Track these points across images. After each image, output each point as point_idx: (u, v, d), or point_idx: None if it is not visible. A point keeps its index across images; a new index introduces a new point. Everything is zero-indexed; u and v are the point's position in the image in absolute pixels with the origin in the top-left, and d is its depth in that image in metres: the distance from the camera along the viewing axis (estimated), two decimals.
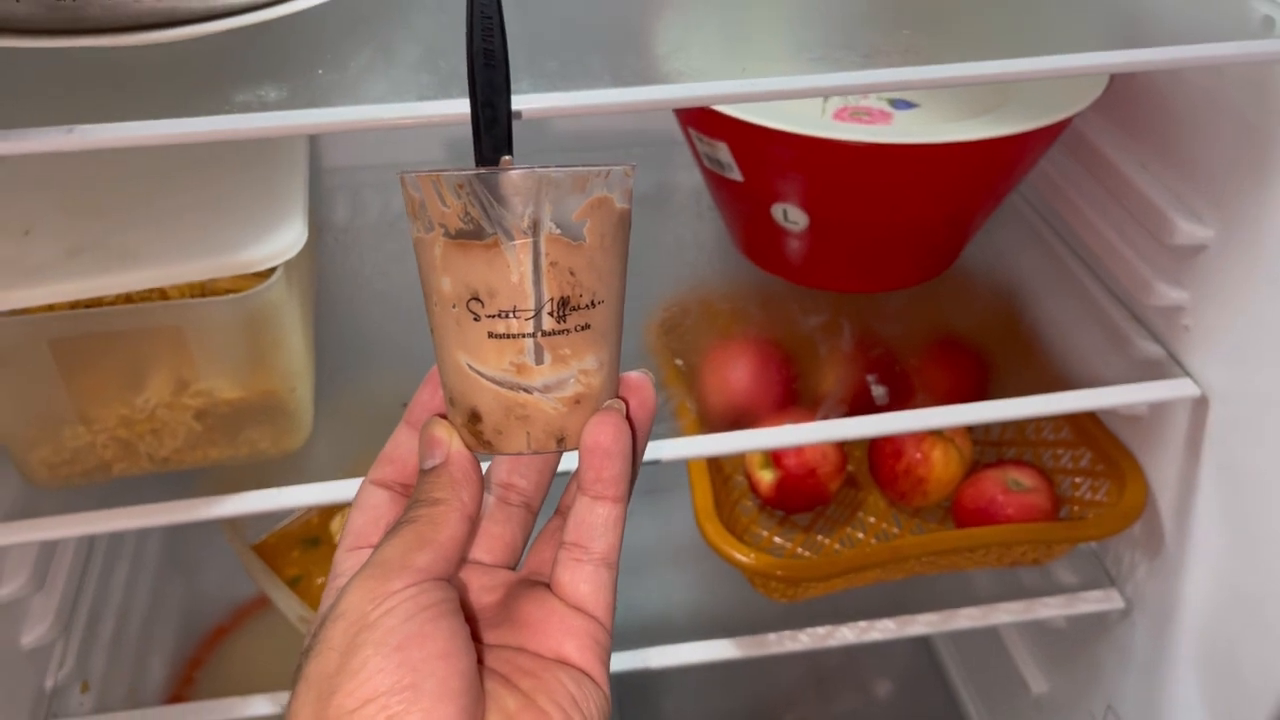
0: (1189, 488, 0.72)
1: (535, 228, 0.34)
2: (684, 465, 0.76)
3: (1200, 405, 0.70)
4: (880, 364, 0.77)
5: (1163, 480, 0.75)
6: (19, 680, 0.73)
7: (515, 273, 0.35)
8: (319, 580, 0.79)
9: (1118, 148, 0.73)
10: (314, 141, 0.80)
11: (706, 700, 1.16)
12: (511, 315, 0.35)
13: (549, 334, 0.35)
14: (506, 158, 0.37)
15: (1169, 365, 0.71)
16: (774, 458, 0.80)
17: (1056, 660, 0.93)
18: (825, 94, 0.51)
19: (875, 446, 0.84)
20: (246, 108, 0.47)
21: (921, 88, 0.57)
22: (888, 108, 0.70)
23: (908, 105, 0.70)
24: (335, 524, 0.81)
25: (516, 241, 0.34)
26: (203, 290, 0.56)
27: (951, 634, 1.12)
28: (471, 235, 0.34)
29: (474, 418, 0.37)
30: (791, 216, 0.71)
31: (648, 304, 0.81)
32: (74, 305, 0.55)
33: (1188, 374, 0.70)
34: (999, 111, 0.66)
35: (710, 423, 0.76)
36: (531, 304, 0.35)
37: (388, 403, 0.71)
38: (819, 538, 0.83)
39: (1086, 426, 0.80)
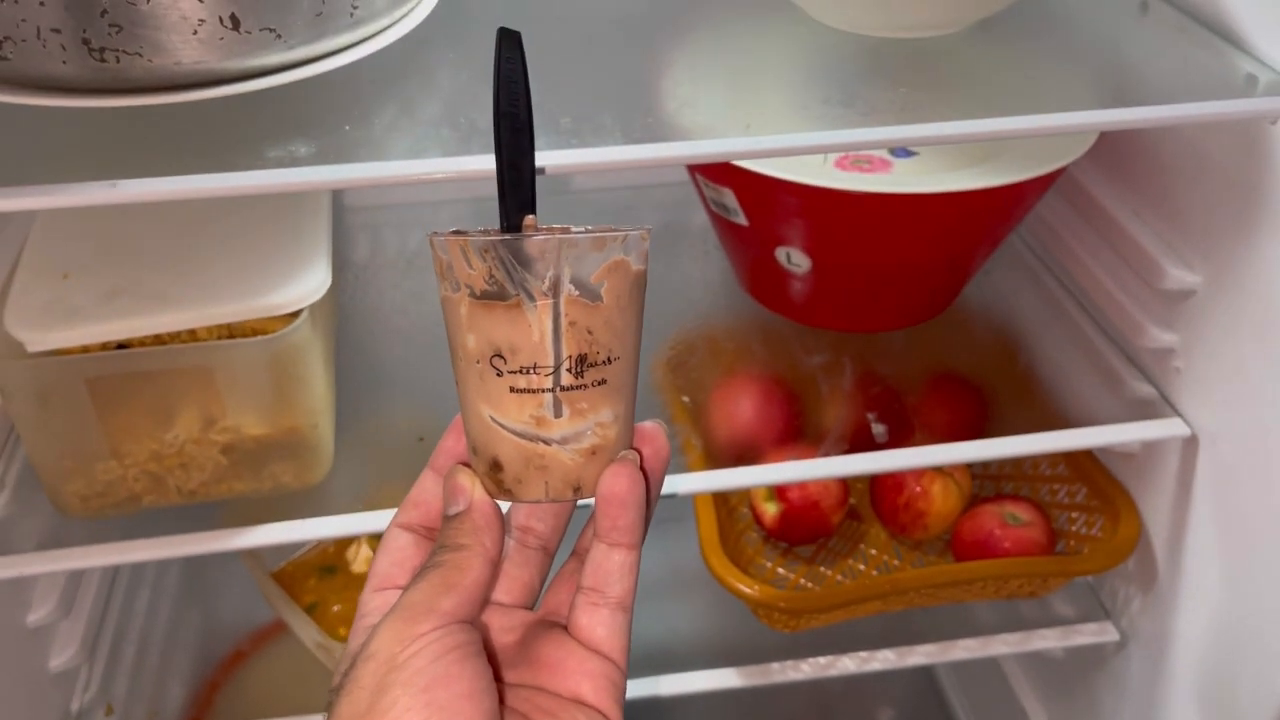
0: (1181, 523, 0.74)
1: (555, 289, 0.37)
2: (690, 498, 0.79)
3: (1190, 444, 0.72)
4: (881, 401, 0.79)
5: (1156, 516, 0.77)
6: (47, 703, 0.75)
7: (536, 331, 0.37)
8: (334, 607, 0.81)
9: (1111, 195, 0.76)
10: None
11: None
12: (532, 371, 0.37)
13: (567, 389, 0.37)
14: (530, 217, 0.39)
15: (1160, 405, 0.74)
16: (778, 491, 0.83)
17: (1055, 691, 0.94)
18: (827, 150, 0.54)
19: (877, 481, 0.86)
20: (279, 163, 0.50)
21: (919, 144, 0.59)
22: (888, 156, 0.73)
23: (907, 154, 0.73)
24: (351, 553, 0.84)
25: (538, 302, 0.37)
26: (230, 332, 0.59)
27: (953, 665, 1.14)
28: (495, 296, 0.37)
29: (495, 466, 0.39)
30: (794, 259, 0.73)
31: (655, 341, 0.84)
32: (108, 346, 0.58)
33: (1178, 414, 0.72)
34: (994, 161, 0.69)
35: (716, 457, 0.78)
36: (551, 361, 0.37)
37: (405, 436, 0.74)
38: (821, 569, 0.85)
39: (1082, 463, 0.82)
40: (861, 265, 0.74)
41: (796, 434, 0.83)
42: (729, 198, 0.72)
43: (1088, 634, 0.81)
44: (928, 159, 0.73)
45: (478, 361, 0.38)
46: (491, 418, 0.38)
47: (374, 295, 0.83)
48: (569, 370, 0.37)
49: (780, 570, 0.85)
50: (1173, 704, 0.78)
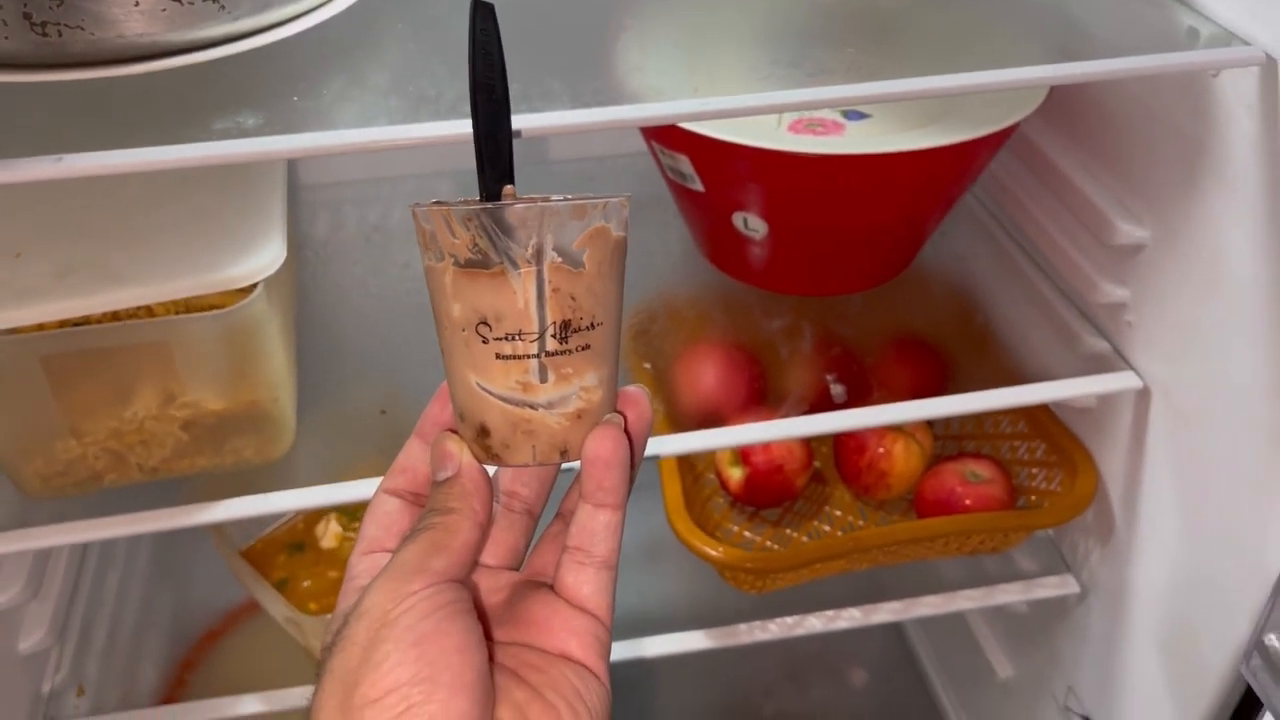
0: (1136, 475, 0.76)
1: (539, 256, 0.37)
2: (656, 465, 0.79)
3: (1143, 397, 0.73)
4: (840, 364, 0.80)
5: (1112, 469, 0.78)
6: (16, 685, 0.75)
7: (521, 298, 0.37)
8: (304, 583, 0.81)
9: (1061, 152, 0.77)
10: (292, 160, 0.83)
11: (685, 693, 1.19)
12: (517, 338, 0.38)
13: (552, 354, 0.38)
14: (509, 187, 0.40)
15: (1114, 359, 0.75)
16: (742, 455, 0.84)
17: (1020, 645, 0.96)
18: (775, 110, 0.55)
19: (839, 443, 0.87)
20: (226, 134, 0.50)
21: (866, 103, 0.60)
22: (840, 119, 0.73)
23: (859, 116, 0.73)
24: (319, 529, 0.84)
25: (521, 270, 0.37)
26: (187, 307, 0.59)
27: (921, 622, 1.16)
28: (479, 264, 0.37)
29: (483, 432, 0.40)
30: (751, 225, 0.74)
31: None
32: (64, 324, 0.58)
33: (1131, 367, 0.74)
34: (946, 121, 0.70)
35: (680, 423, 0.79)
36: (536, 327, 0.38)
37: (367, 410, 0.74)
38: (787, 531, 0.86)
39: (1041, 420, 0.84)
40: (818, 229, 0.74)
41: (759, 398, 0.84)
42: (685, 164, 0.72)
43: (1049, 587, 0.83)
44: (880, 121, 0.73)
45: (463, 329, 0.38)
46: (478, 384, 0.39)
47: (335, 272, 0.83)
48: (553, 336, 0.38)
49: (747, 533, 0.86)
50: (1133, 653, 0.80)
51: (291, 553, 0.83)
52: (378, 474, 0.69)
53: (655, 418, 0.78)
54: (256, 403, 0.62)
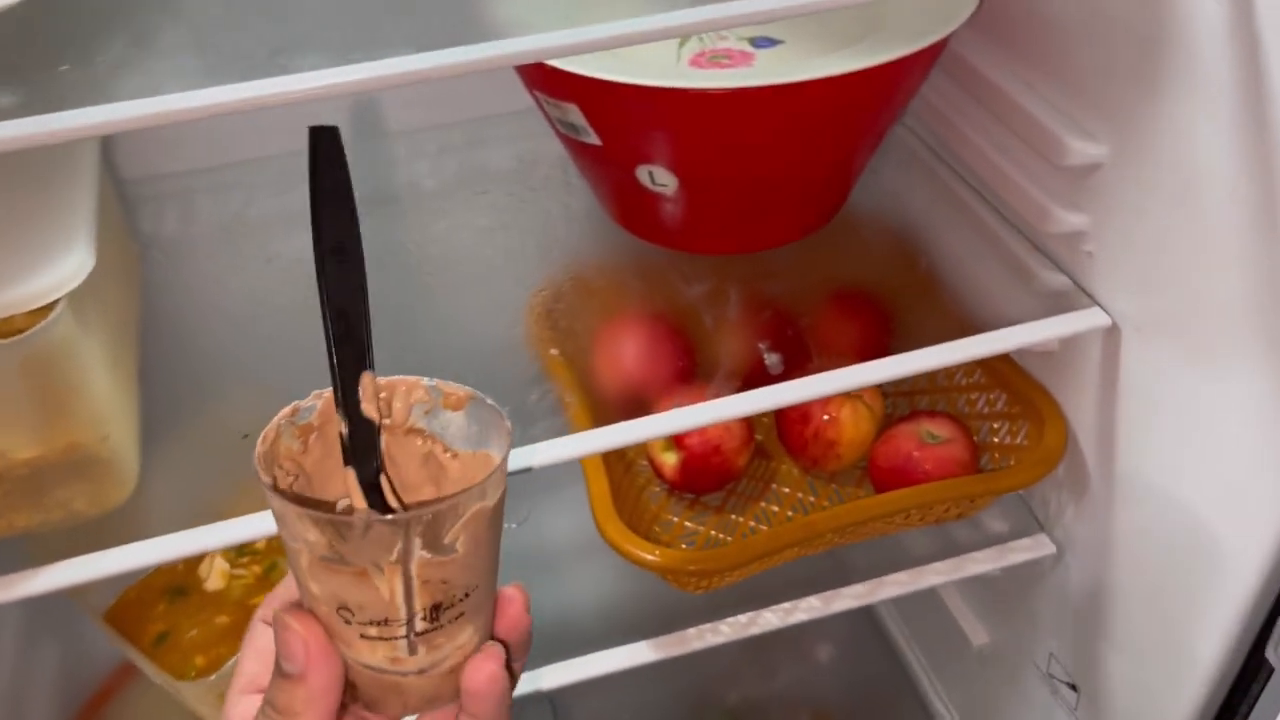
0: (1109, 422, 0.68)
1: (406, 557, 0.33)
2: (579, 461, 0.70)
3: (1112, 335, 0.65)
4: (773, 328, 0.71)
5: (1082, 417, 0.71)
6: None
7: (386, 592, 0.34)
8: (190, 633, 0.71)
9: (999, 67, 0.68)
10: (111, 147, 0.72)
11: (645, 693, 1.10)
12: (383, 624, 0.35)
13: (422, 633, 0.35)
14: (367, 374, 0.34)
15: (1076, 295, 0.67)
16: (675, 439, 0.75)
17: (994, 611, 0.89)
18: (669, 35, 0.45)
19: (781, 414, 0.78)
20: None
21: (773, 19, 0.51)
22: (748, 47, 0.64)
23: (770, 42, 0.64)
24: (203, 569, 0.73)
25: (385, 570, 0.33)
26: None
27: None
28: (338, 562, 0.33)
29: (350, 687, 0.36)
30: (659, 179, 0.64)
31: (519, 289, 0.74)
32: None
33: (1096, 303, 0.66)
34: (868, 40, 0.61)
35: (600, 411, 0.69)
36: (403, 615, 0.35)
37: (230, 433, 0.63)
38: (733, 517, 0.78)
39: (998, 368, 0.76)
40: (734, 177, 0.65)
41: (687, 374, 0.75)
42: (574, 114, 0.62)
43: (1023, 550, 0.75)
44: (794, 46, 0.64)
45: (324, 604, 0.35)
46: (343, 653, 0.35)
47: (188, 272, 0.72)
48: (423, 619, 0.35)
49: (688, 524, 0.77)
50: (1116, 612, 0.73)
51: (173, 599, 0.73)
52: (254, 508, 0.59)
53: (571, 409, 0.70)
54: (79, 445, 0.51)
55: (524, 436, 0.59)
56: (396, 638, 0.35)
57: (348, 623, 0.35)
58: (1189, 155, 0.56)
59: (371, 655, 0.35)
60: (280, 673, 0.35)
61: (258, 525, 0.55)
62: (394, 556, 0.33)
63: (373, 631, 0.35)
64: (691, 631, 0.71)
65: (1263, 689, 0.62)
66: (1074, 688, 0.79)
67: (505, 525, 0.72)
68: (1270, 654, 0.52)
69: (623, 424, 0.59)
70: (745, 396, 0.61)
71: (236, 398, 0.64)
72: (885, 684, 1.07)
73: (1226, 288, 0.56)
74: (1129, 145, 0.60)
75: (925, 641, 1.03)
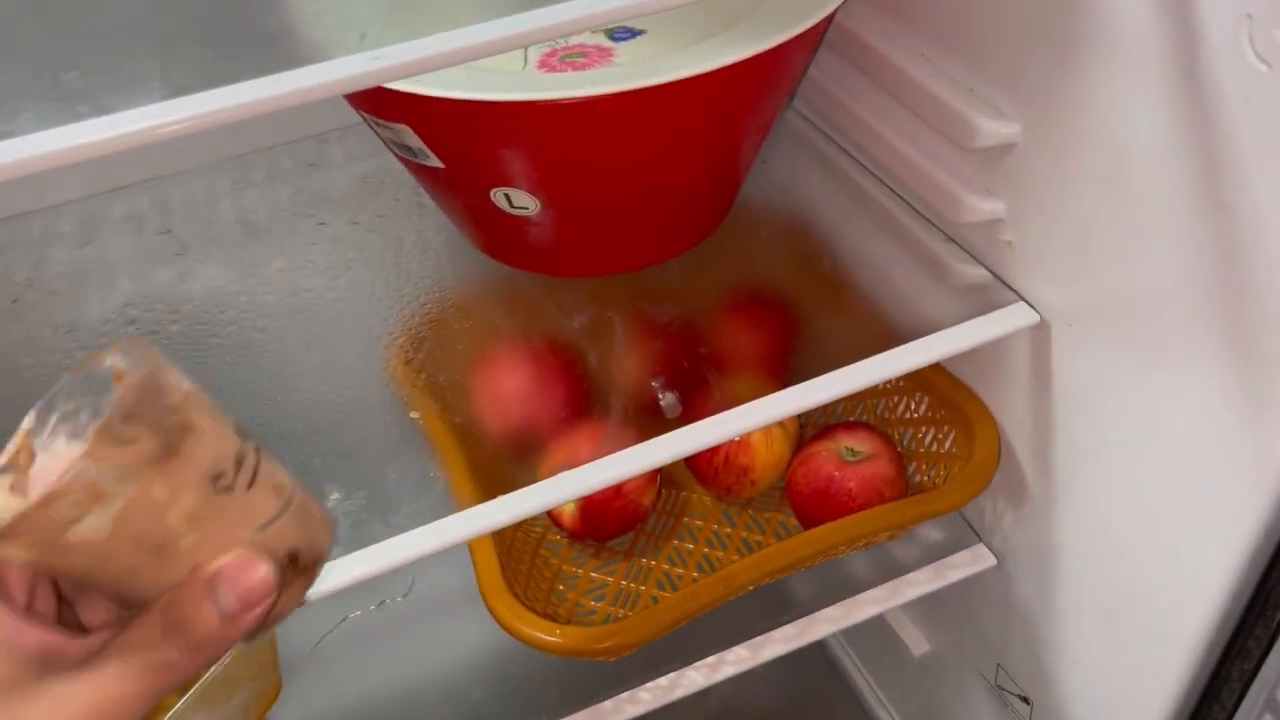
0: (1044, 423, 0.62)
1: None
2: None
3: (1040, 330, 0.58)
4: (670, 353, 0.63)
5: (1014, 419, 0.64)
6: None
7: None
8: None
9: (895, 43, 0.60)
10: None
11: None
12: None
13: None
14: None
15: (997, 289, 0.60)
16: None
17: (935, 621, 0.83)
18: (487, 53, 0.36)
19: None
20: None
21: (623, 18, 0.42)
22: (605, 41, 0.55)
23: (630, 34, 0.55)
24: None
25: None
26: None
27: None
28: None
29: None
30: (517, 202, 0.55)
31: (375, 336, 0.64)
32: None
33: (1021, 297, 0.59)
34: (743, 24, 0.52)
35: (483, 469, 0.60)
36: None
37: None
38: (644, 560, 0.70)
39: (921, 371, 0.68)
40: (604, 192, 0.56)
41: (581, 409, 0.66)
42: (409, 136, 0.53)
43: (962, 565, 0.69)
44: (657, 35, 0.55)
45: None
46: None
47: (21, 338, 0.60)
48: None
49: (595, 574, 0.69)
50: (1066, 622, 0.67)
51: None
52: None
53: (453, 473, 0.60)
54: None
55: (392, 526, 0.49)
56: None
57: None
58: (1114, 129, 0.49)
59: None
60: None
61: None
62: None
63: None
64: (607, 705, 0.63)
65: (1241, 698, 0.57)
66: (1026, 700, 0.74)
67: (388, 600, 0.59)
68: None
69: (516, 495, 0.50)
70: (651, 446, 0.52)
71: None
72: (825, 694, 1.01)
73: (1166, 273, 0.49)
74: (1045, 122, 0.53)
75: (864, 651, 0.97)
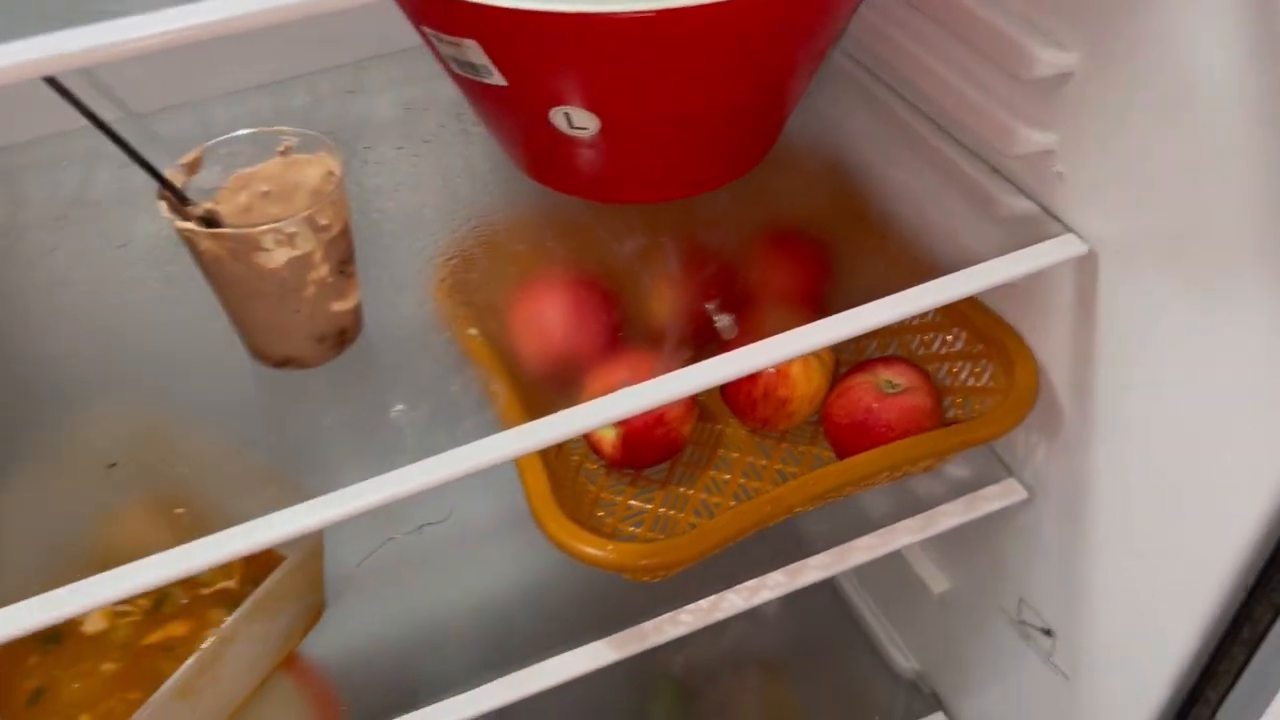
0: (1085, 356, 0.63)
1: None
2: None
3: (1088, 262, 0.59)
4: (718, 282, 0.63)
5: (1053, 353, 0.65)
6: None
7: None
8: (71, 687, 0.61)
9: None
10: None
11: None
12: None
13: None
14: None
15: (1044, 221, 0.61)
16: None
17: (956, 558, 0.84)
18: None
19: None
20: None
21: None
22: None
23: None
24: None
25: None
26: None
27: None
28: None
29: None
30: (577, 121, 0.55)
31: (424, 259, 0.65)
32: None
33: (1069, 229, 0.60)
34: None
35: (530, 392, 0.61)
36: None
37: (88, 456, 0.53)
38: (681, 490, 0.71)
39: (958, 305, 0.69)
40: (662, 113, 0.56)
41: (623, 340, 0.67)
42: (474, 52, 0.53)
43: (993, 498, 0.70)
44: None
45: None
46: None
47: (20, 270, 0.60)
48: None
49: (633, 502, 0.70)
50: (1093, 559, 0.68)
51: (45, 650, 0.63)
52: (129, 540, 0.50)
53: (499, 399, 0.61)
54: None
55: (451, 438, 0.50)
56: None
57: None
58: (1179, 57, 0.50)
59: None
60: None
61: (152, 572, 0.45)
62: None
63: None
64: (649, 625, 0.64)
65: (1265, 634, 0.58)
66: (1049, 633, 0.75)
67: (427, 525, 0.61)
68: None
69: (563, 414, 0.51)
70: (696, 371, 0.53)
71: (93, 415, 0.54)
72: (837, 635, 1.03)
73: (1226, 204, 0.50)
74: (1105, 51, 0.53)
75: (878, 591, 0.99)
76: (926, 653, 0.95)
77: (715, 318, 0.59)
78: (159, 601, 0.65)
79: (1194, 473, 0.58)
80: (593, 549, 0.57)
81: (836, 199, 0.70)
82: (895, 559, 0.90)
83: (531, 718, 1.03)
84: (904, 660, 0.97)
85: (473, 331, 0.60)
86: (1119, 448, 0.63)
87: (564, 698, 1.06)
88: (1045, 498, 0.71)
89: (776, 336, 0.53)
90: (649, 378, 0.53)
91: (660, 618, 0.65)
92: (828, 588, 1.05)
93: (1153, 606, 0.65)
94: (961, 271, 0.58)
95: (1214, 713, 0.64)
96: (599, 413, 0.51)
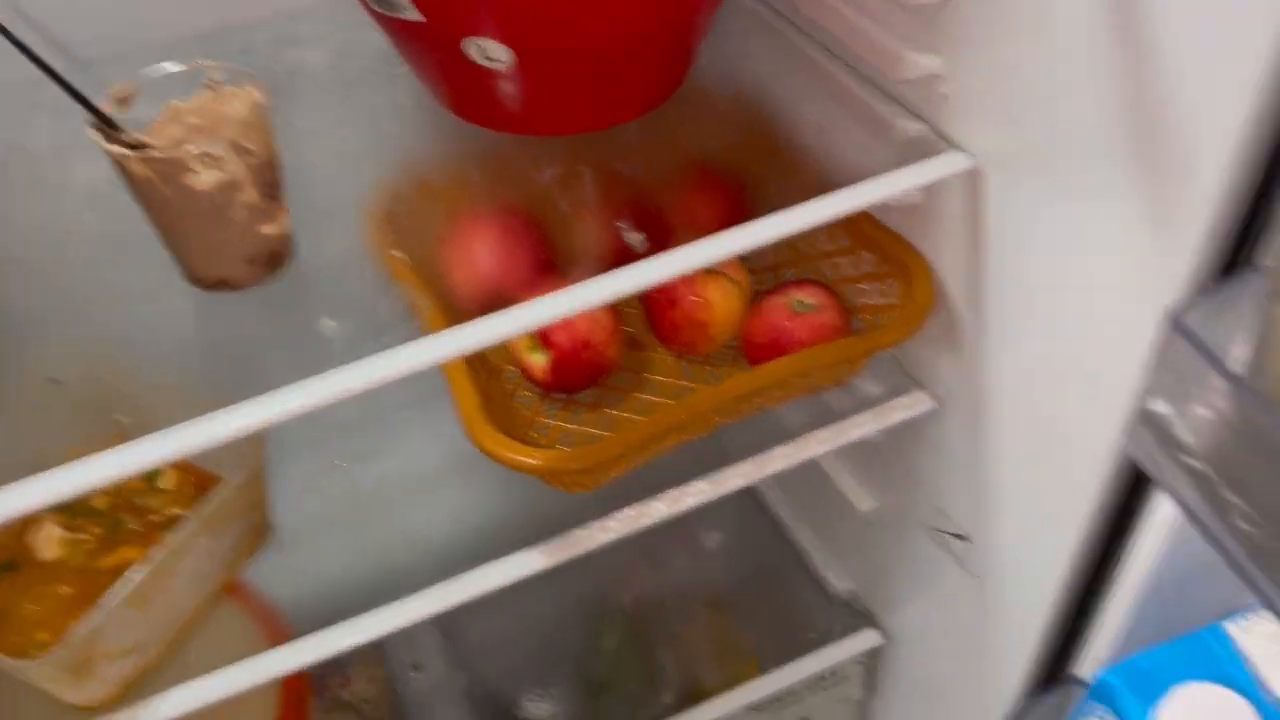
0: (978, 269, 0.67)
1: None
2: (441, 372, 0.65)
3: (974, 178, 0.64)
4: (632, 208, 0.67)
5: (950, 268, 0.70)
6: None
7: None
8: (28, 608, 0.64)
9: None
10: None
11: (538, 604, 1.08)
12: None
13: None
14: None
15: (934, 142, 0.65)
16: (542, 338, 0.71)
17: (878, 475, 0.89)
18: None
19: (649, 301, 0.75)
20: None
21: None
22: None
23: None
24: (34, 537, 0.66)
25: None
26: None
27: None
28: None
29: None
30: (491, 53, 0.59)
31: (354, 194, 0.68)
32: None
33: (956, 146, 0.64)
34: None
35: (457, 318, 0.64)
36: None
37: (35, 383, 0.56)
38: (610, 412, 0.75)
39: (863, 229, 0.74)
40: (572, 45, 0.60)
41: (547, 267, 0.71)
42: None
43: (903, 409, 0.75)
44: None
45: None
46: None
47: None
48: None
49: (566, 425, 0.74)
50: (999, 461, 0.73)
51: (2, 576, 0.66)
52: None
53: (425, 313, 0.65)
54: None
55: (377, 348, 0.54)
56: None
57: None
58: None
59: None
60: None
61: (94, 470, 0.48)
62: None
63: None
64: (580, 532, 0.68)
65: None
66: (963, 538, 0.80)
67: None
68: (1126, 444, 0.52)
69: (483, 319, 0.54)
70: (610, 277, 0.57)
71: (39, 342, 0.57)
72: (777, 563, 1.08)
73: (1086, 113, 0.55)
74: None
75: (812, 517, 1.04)
76: (858, 573, 1.00)
77: (626, 235, 0.63)
78: (112, 527, 0.68)
79: (1077, 369, 0.63)
80: (523, 456, 0.61)
81: (745, 129, 0.74)
82: (824, 484, 0.95)
83: (489, 650, 1.07)
84: (838, 582, 1.01)
85: (397, 253, 0.63)
86: (1012, 353, 0.68)
87: (521, 632, 1.11)
88: (952, 408, 0.76)
89: (681, 246, 0.57)
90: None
91: (590, 524, 0.68)
92: (767, 520, 1.10)
93: (1048, 503, 0.70)
94: (855, 185, 0.62)
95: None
96: (519, 318, 0.55)
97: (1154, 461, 0.51)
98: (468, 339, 0.54)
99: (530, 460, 0.62)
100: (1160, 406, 0.47)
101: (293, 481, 0.71)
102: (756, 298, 0.75)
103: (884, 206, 0.73)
